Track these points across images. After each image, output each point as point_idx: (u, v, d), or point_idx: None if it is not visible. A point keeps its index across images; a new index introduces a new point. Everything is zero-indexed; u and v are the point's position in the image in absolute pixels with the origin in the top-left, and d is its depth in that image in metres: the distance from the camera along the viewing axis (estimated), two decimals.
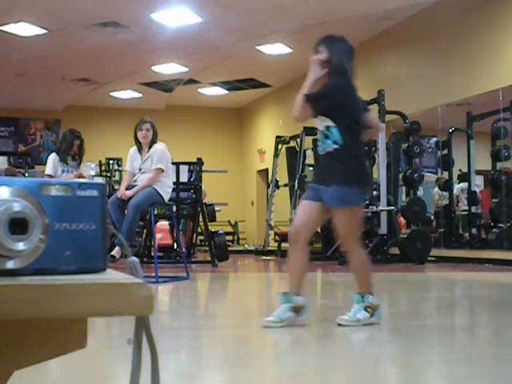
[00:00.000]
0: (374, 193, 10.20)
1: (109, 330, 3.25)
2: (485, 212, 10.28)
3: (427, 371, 2.34)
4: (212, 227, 8.82)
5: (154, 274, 5.57)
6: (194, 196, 8.65)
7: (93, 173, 13.82)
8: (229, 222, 15.60)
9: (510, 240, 8.97)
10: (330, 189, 3.12)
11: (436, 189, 11.53)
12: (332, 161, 3.17)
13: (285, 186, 11.89)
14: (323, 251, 10.20)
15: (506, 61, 8.57)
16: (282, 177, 12.17)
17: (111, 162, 13.59)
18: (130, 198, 5.63)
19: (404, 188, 10.11)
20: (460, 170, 10.79)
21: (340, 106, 3.18)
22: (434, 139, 11.49)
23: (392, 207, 9.48)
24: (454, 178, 10.86)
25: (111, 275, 0.77)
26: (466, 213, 10.48)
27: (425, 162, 11.65)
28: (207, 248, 8.70)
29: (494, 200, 9.65)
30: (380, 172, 9.60)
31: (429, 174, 11.61)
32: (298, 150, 10.94)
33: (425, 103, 10.13)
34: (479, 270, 8.04)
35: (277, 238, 12.10)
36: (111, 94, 14.88)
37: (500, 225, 9.33)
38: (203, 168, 9.01)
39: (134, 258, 0.79)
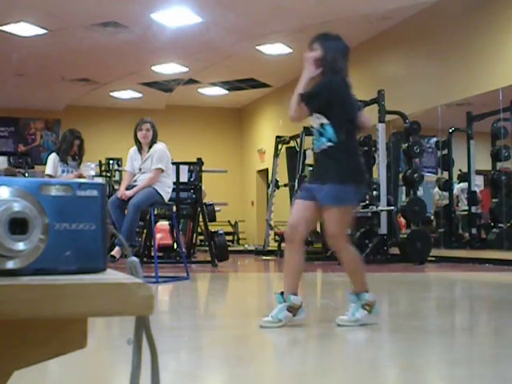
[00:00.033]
0: (374, 193, 10.21)
1: (109, 330, 3.25)
2: (485, 212, 10.28)
3: (427, 371, 2.34)
4: (212, 227, 8.82)
5: (154, 274, 5.57)
6: (193, 196, 8.65)
7: (93, 173, 13.82)
8: (229, 222, 15.60)
9: (510, 240, 8.97)
10: (325, 187, 3.11)
11: (436, 189, 11.54)
12: (326, 158, 3.17)
13: (285, 185, 11.89)
14: (323, 251, 10.21)
15: (506, 61, 8.57)
16: (282, 177, 12.17)
17: (111, 161, 13.60)
18: (130, 198, 5.63)
19: (404, 188, 10.11)
20: (460, 170, 10.79)
21: (334, 103, 3.17)
22: (434, 139, 11.49)
23: (392, 207, 9.48)
24: (454, 178, 10.86)
25: (111, 275, 0.77)
26: (466, 213, 10.49)
27: (425, 162, 11.65)
28: (207, 248, 8.69)
29: (494, 200, 9.65)
30: (380, 172, 9.60)
31: (429, 174, 11.61)
32: (298, 149, 10.94)
33: (425, 103, 10.13)
34: (479, 269, 8.04)
35: (277, 237, 12.11)
36: (111, 93, 14.89)
37: (500, 225, 9.33)
38: (203, 168, 9.00)
39: (134, 258, 0.79)
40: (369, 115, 10.67)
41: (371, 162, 10.46)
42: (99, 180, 11.65)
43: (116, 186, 11.47)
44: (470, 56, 9.22)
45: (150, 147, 5.90)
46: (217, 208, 10.05)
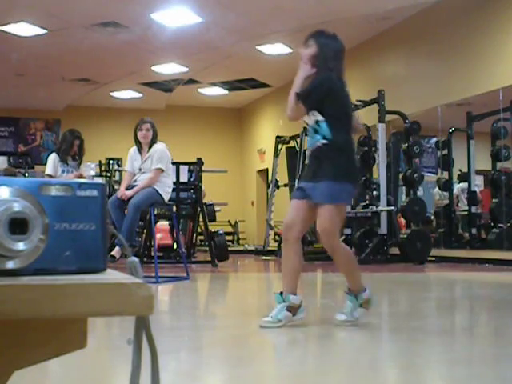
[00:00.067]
0: (374, 193, 10.21)
1: (109, 330, 3.25)
2: (485, 212, 10.28)
3: (427, 371, 2.34)
4: (212, 227, 8.82)
5: (154, 274, 5.57)
6: (193, 196, 8.65)
7: (93, 173, 13.82)
8: (229, 222, 15.60)
9: (510, 240, 8.97)
10: (319, 185, 3.10)
11: (436, 189, 11.54)
12: (321, 156, 3.16)
13: (285, 186, 11.89)
14: (323, 251, 10.20)
15: (506, 61, 8.57)
16: (282, 177, 12.17)
17: (111, 161, 13.60)
18: (130, 198, 5.63)
19: (404, 188, 10.11)
20: (460, 170, 10.79)
21: (329, 99, 3.16)
22: (434, 139, 11.49)
23: (392, 207, 9.49)
24: (454, 178, 10.86)
25: (111, 275, 0.77)
26: (466, 213, 10.49)
27: (425, 162, 11.65)
28: (207, 248, 8.70)
29: (494, 200, 9.64)
30: (380, 172, 9.61)
31: (429, 174, 11.62)
32: (298, 149, 10.94)
33: (425, 103, 10.13)
34: (479, 270, 8.05)
35: (277, 238, 12.10)
36: (111, 93, 14.89)
37: (500, 225, 9.33)
38: (203, 168, 9.00)
39: (134, 258, 0.79)
40: (369, 115, 10.68)
41: (371, 162, 10.47)
42: (99, 180, 11.65)
43: (116, 186, 11.47)
44: (470, 56, 9.22)
45: (150, 147, 5.90)
46: (217, 208, 10.05)
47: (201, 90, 15.12)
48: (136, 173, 5.93)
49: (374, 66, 11.52)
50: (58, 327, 0.78)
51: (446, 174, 10.84)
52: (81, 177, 6.49)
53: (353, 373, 2.26)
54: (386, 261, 9.10)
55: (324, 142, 3.14)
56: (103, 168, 13.61)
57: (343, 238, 9.89)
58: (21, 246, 0.71)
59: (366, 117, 10.35)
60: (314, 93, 3.16)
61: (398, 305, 4.71)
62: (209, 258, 8.37)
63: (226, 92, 15.31)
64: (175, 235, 8.35)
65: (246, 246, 15.07)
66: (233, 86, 14.75)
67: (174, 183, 7.16)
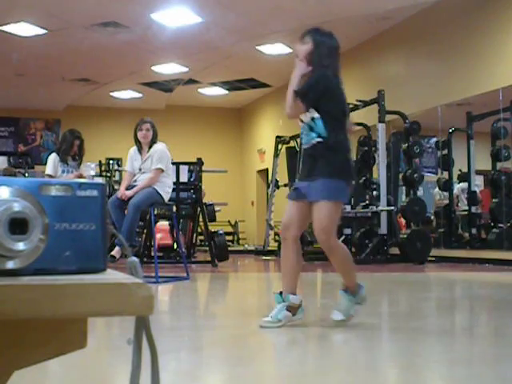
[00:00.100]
0: (374, 193, 10.21)
1: (109, 330, 3.25)
2: (485, 212, 10.28)
3: (427, 371, 2.34)
4: (212, 227, 8.82)
5: (153, 274, 5.57)
6: (193, 196, 8.65)
7: (93, 173, 13.83)
8: (229, 222, 15.60)
9: (510, 240, 8.97)
10: (314, 183, 3.09)
11: (437, 189, 11.54)
12: (315, 154, 3.14)
13: (285, 186, 11.89)
14: (323, 251, 10.19)
15: (506, 61, 8.57)
16: (282, 177, 12.17)
17: (111, 161, 13.60)
18: (130, 198, 5.63)
19: (404, 188, 10.11)
20: (460, 170, 10.79)
21: (325, 96, 3.14)
22: (434, 139, 11.50)
23: (392, 207, 9.49)
24: (454, 178, 10.86)
25: (111, 275, 0.77)
26: (466, 213, 10.49)
27: (425, 162, 11.65)
28: (207, 248, 8.70)
29: (494, 200, 9.64)
30: (380, 172, 9.61)
31: (429, 174, 11.62)
32: (298, 150, 10.94)
33: (425, 103, 10.13)
34: (479, 270, 8.05)
35: (277, 237, 12.10)
36: (111, 93, 14.89)
37: (500, 225, 9.33)
38: (203, 168, 9.00)
39: (134, 258, 0.79)
40: (369, 115, 10.67)
41: (371, 162, 10.47)
42: (99, 180, 11.65)
43: (116, 186, 11.47)
44: (470, 56, 9.22)
45: (150, 147, 5.90)
46: (217, 208, 10.05)
47: (201, 90, 15.12)
48: (136, 173, 5.92)
49: (374, 66, 11.52)
50: (58, 327, 0.78)
51: (445, 174, 10.84)
52: (81, 177, 6.49)
53: (353, 373, 2.26)
54: (386, 261, 9.10)
55: (319, 140, 3.13)
56: (103, 168, 13.61)
57: (343, 237, 9.89)
58: (21, 246, 0.71)
59: (365, 117, 10.36)
60: (311, 91, 3.15)
61: (398, 305, 4.71)
62: (209, 258, 8.37)
63: (226, 92, 15.31)
64: (175, 235, 8.35)
65: (246, 245, 15.07)
66: (233, 86, 14.75)
67: (174, 183, 7.16)
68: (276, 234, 12.38)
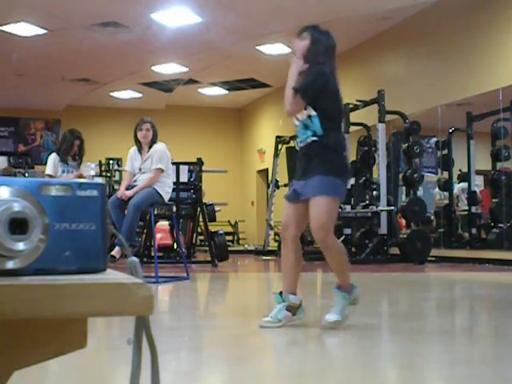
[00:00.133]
0: (374, 193, 10.21)
1: (109, 330, 3.25)
2: (485, 212, 10.28)
3: (427, 371, 2.34)
4: (212, 227, 8.82)
5: (153, 274, 5.57)
6: (194, 196, 8.65)
7: (93, 173, 13.83)
8: (229, 222, 15.60)
9: (510, 240, 8.97)
10: (311, 180, 3.07)
11: (437, 189, 11.54)
12: (311, 153, 3.13)
13: (285, 185, 11.88)
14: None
15: (506, 61, 8.57)
16: (282, 177, 12.17)
17: (111, 161, 13.60)
18: (130, 198, 5.63)
19: (404, 188, 10.11)
20: (460, 170, 10.79)
21: (323, 93, 3.13)
22: (434, 139, 11.49)
23: (392, 207, 9.49)
24: (454, 178, 10.86)
25: (111, 275, 0.77)
26: (466, 213, 10.49)
27: (425, 162, 11.65)
28: (207, 248, 8.70)
29: (494, 200, 9.65)
30: (380, 172, 9.61)
31: (429, 174, 11.62)
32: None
33: (425, 103, 10.13)
34: (479, 270, 8.05)
35: (277, 237, 12.10)
36: (111, 93, 14.89)
37: (500, 225, 9.33)
38: (203, 168, 9.00)
39: (134, 258, 0.79)
40: (369, 115, 10.65)
41: (371, 162, 10.47)
42: (99, 180, 11.65)
43: (116, 186, 11.47)
44: (470, 56, 9.22)
45: (150, 147, 5.90)
46: (217, 208, 10.05)
47: (201, 90, 15.12)
48: (136, 173, 5.93)
49: (374, 66, 11.52)
50: (58, 327, 0.78)
51: (446, 174, 10.84)
52: (81, 177, 6.49)
53: (352, 373, 2.26)
54: (386, 261, 9.11)
55: (314, 138, 3.11)
56: (103, 168, 13.61)
57: (343, 237, 9.89)
58: (21, 246, 0.71)
59: (365, 117, 10.37)
60: (312, 87, 3.13)
61: (398, 305, 4.71)
62: (209, 258, 8.37)
63: (226, 92, 15.31)
64: (175, 235, 8.35)
65: (246, 245, 15.07)
66: (233, 85, 14.75)
67: (174, 183, 7.16)
68: (276, 234, 12.38)
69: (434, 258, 9.36)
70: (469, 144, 10.16)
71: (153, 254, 7.38)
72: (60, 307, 0.69)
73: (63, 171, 6.44)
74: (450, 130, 10.56)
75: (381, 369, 2.38)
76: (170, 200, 6.14)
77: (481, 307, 4.48)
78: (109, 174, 13.25)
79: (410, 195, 9.72)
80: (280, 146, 12.24)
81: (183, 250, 7.77)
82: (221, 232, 8.86)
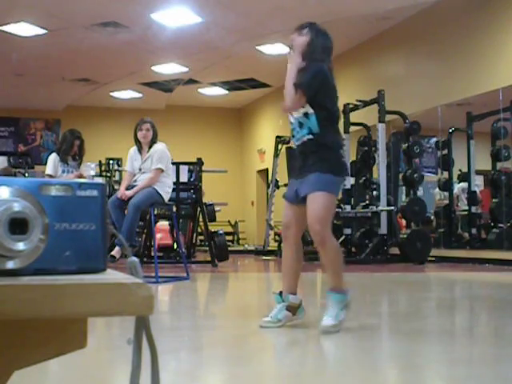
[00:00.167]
0: (374, 193, 10.21)
1: (109, 330, 3.25)
2: (485, 212, 10.28)
3: (427, 371, 2.34)
4: (212, 227, 8.82)
5: (154, 274, 5.57)
6: (194, 196, 8.65)
7: (93, 173, 13.83)
8: (229, 222, 15.60)
9: (510, 240, 8.97)
10: (308, 178, 3.05)
11: (437, 189, 11.53)
12: (306, 151, 3.11)
13: (285, 185, 11.84)
14: None
15: (506, 61, 8.57)
16: (282, 177, 12.16)
17: (111, 161, 13.59)
18: (130, 198, 5.63)
19: (404, 188, 10.11)
20: (460, 170, 10.79)
21: (322, 91, 3.12)
22: (434, 139, 11.49)
23: (392, 207, 9.49)
24: (454, 178, 10.86)
25: (111, 275, 0.77)
26: (466, 213, 10.48)
27: (425, 162, 11.65)
28: (207, 248, 8.70)
29: (494, 200, 9.65)
30: (380, 172, 9.61)
31: (429, 174, 11.61)
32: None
33: (425, 103, 10.13)
34: (479, 270, 8.04)
35: (277, 238, 12.10)
36: (111, 93, 14.89)
37: (500, 225, 9.33)
38: (203, 168, 9.01)
39: (134, 258, 0.79)
40: (369, 115, 10.64)
41: (371, 162, 10.47)
42: (99, 180, 11.65)
43: (116, 186, 11.47)
44: (470, 56, 9.22)
45: (150, 147, 5.90)
46: (217, 208, 10.05)
47: (201, 90, 15.12)
48: (136, 173, 5.93)
49: (374, 66, 11.52)
50: (58, 327, 0.78)
51: (446, 174, 10.84)
52: (81, 177, 6.49)
53: (352, 373, 2.26)
54: (386, 261, 9.10)
55: (310, 137, 3.09)
56: (103, 168, 13.60)
57: (343, 237, 9.90)
58: (21, 246, 0.71)
59: (365, 117, 10.37)
60: (312, 83, 3.10)
61: (398, 305, 4.71)
62: (209, 258, 8.37)
63: (226, 92, 15.31)
64: (175, 235, 8.35)
65: (246, 245, 15.07)
66: (233, 85, 14.75)
67: (174, 183, 7.16)
68: (276, 234, 12.38)
69: (434, 258, 9.36)
70: (469, 144, 10.16)
71: (153, 254, 7.38)
72: (60, 307, 0.69)
73: (63, 171, 6.45)
74: (450, 130, 10.56)
75: (381, 369, 2.38)
76: (170, 200, 6.14)
77: (481, 307, 4.48)
78: (109, 174, 13.25)
79: (410, 195, 9.72)
80: (280, 146, 12.23)
81: (183, 250, 7.77)
82: (221, 232, 8.86)
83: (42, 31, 10.26)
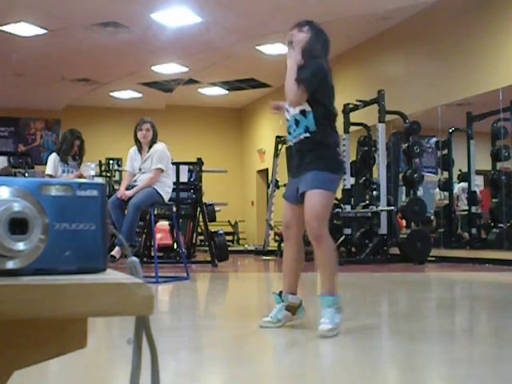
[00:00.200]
0: (374, 193, 10.21)
1: (109, 330, 3.25)
2: (485, 212, 10.28)
3: (427, 371, 2.34)
4: (212, 227, 8.82)
5: (154, 274, 5.57)
6: (193, 196, 8.65)
7: (93, 173, 13.83)
8: (229, 222, 15.60)
9: (510, 240, 8.97)
10: (305, 176, 3.04)
11: (437, 189, 11.53)
12: (303, 149, 3.09)
13: (285, 186, 11.85)
14: None
15: (506, 61, 8.57)
16: (282, 177, 12.16)
17: (111, 161, 13.59)
18: (130, 198, 5.63)
19: (404, 188, 10.11)
20: (460, 170, 10.79)
21: (322, 87, 3.11)
22: (434, 139, 11.49)
23: (392, 207, 9.48)
24: (454, 178, 10.86)
25: (111, 275, 0.77)
26: (466, 213, 10.49)
27: (425, 162, 11.64)
28: (207, 248, 8.70)
29: (494, 200, 9.64)
30: (380, 172, 9.61)
31: (429, 174, 11.61)
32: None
33: (425, 103, 10.13)
34: (479, 270, 8.05)
35: (277, 237, 12.10)
36: (111, 93, 14.89)
37: (500, 225, 9.33)
38: (203, 168, 9.01)
39: (134, 258, 0.79)
40: (369, 115, 10.63)
41: (371, 162, 10.47)
42: (99, 180, 11.65)
43: (116, 186, 11.47)
44: (470, 56, 9.22)
45: (150, 147, 5.90)
46: (217, 208, 10.05)
47: (201, 90, 15.12)
48: (136, 173, 5.93)
49: (374, 66, 11.52)
50: (58, 327, 0.78)
51: (446, 174, 10.84)
52: (81, 177, 6.49)
53: (352, 373, 2.26)
54: (386, 261, 9.10)
55: (306, 135, 3.08)
56: (103, 168, 13.61)
57: (343, 237, 9.90)
58: (21, 246, 0.71)
59: (365, 117, 10.36)
60: (313, 80, 3.08)
61: (398, 305, 4.71)
62: (209, 258, 8.37)
63: (226, 92, 15.31)
64: (175, 235, 8.35)
65: (246, 245, 15.07)
66: (233, 85, 14.74)
67: (174, 183, 7.16)
68: (276, 234, 12.38)
69: (434, 258, 9.36)
70: (469, 144, 10.16)
71: (153, 254, 7.38)
72: (60, 307, 0.69)
73: (63, 171, 6.45)
74: (450, 130, 10.56)
75: (381, 369, 2.38)
76: (170, 200, 6.14)
77: (481, 307, 4.48)
78: (109, 174, 13.25)
79: (409, 195, 9.72)
80: (280, 146, 12.23)
81: (183, 250, 7.77)
82: (221, 232, 8.86)
83: (42, 31, 10.26)
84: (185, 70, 12.95)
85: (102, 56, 11.71)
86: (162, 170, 5.83)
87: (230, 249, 9.64)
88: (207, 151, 13.59)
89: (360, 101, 10.07)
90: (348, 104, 10.16)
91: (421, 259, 8.86)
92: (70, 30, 10.24)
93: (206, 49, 11.37)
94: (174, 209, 7.60)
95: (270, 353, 2.89)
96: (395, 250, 9.30)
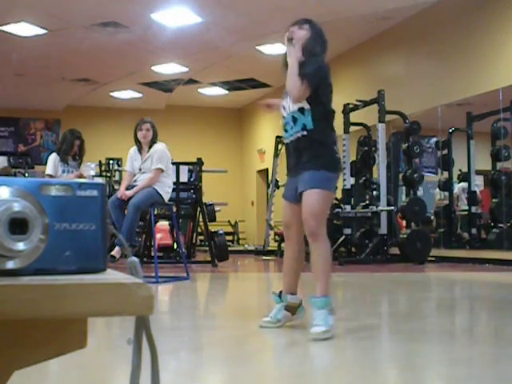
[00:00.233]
0: (374, 193, 10.21)
1: (109, 330, 3.25)
2: (485, 212, 10.28)
3: (427, 371, 2.34)
4: (212, 227, 8.82)
5: (154, 274, 5.57)
6: (193, 196, 8.65)
7: (93, 173, 13.83)
8: (229, 222, 15.60)
9: (510, 240, 8.97)
10: (303, 175, 3.04)
11: (437, 189, 11.53)
12: (300, 147, 3.08)
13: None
14: None
15: (506, 61, 8.57)
16: (282, 177, 12.15)
17: (111, 161, 13.60)
18: (130, 198, 5.63)
19: (404, 188, 10.11)
20: (460, 170, 10.79)
21: (322, 84, 3.10)
22: (434, 139, 11.49)
23: (392, 207, 9.48)
24: (454, 178, 10.86)
25: (111, 275, 0.77)
26: (466, 213, 10.49)
27: (425, 161, 11.64)
28: (207, 248, 8.70)
29: (494, 200, 9.64)
30: (380, 172, 9.60)
31: (429, 174, 11.61)
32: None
33: (425, 103, 10.13)
34: (479, 270, 8.04)
35: (277, 237, 12.10)
36: (111, 93, 14.89)
37: (500, 225, 9.33)
38: (203, 168, 9.00)
39: (134, 258, 0.79)
40: (369, 115, 10.63)
41: (371, 162, 10.47)
42: (99, 180, 11.65)
43: (116, 186, 11.47)
44: (470, 56, 9.22)
45: (150, 147, 5.90)
46: (217, 208, 10.05)
47: (201, 90, 15.12)
48: (136, 173, 5.93)
49: (374, 66, 11.52)
50: (58, 327, 0.78)
51: (446, 174, 10.84)
52: (81, 177, 6.49)
53: (352, 373, 2.26)
54: (386, 261, 9.10)
55: (303, 133, 3.07)
56: (103, 168, 13.61)
57: (343, 237, 9.90)
58: (21, 246, 0.71)
59: (365, 117, 10.36)
60: (314, 77, 3.07)
61: (398, 305, 4.71)
62: (209, 258, 8.37)
63: (226, 92, 15.31)
64: (175, 235, 8.35)
65: (246, 245, 15.07)
66: (233, 85, 14.75)
67: (174, 183, 7.16)
68: (276, 234, 12.38)
69: (434, 258, 9.36)
70: (469, 144, 10.16)
71: (153, 254, 7.38)
72: (60, 307, 0.69)
73: (63, 171, 6.45)
74: (450, 130, 10.56)
75: (381, 369, 2.38)
76: (170, 200, 6.14)
77: (481, 307, 4.48)
78: (109, 174, 13.25)
79: (410, 195, 9.72)
80: (280, 146, 12.23)
81: (183, 250, 7.77)
82: (221, 232, 8.86)
83: (42, 31, 10.26)
84: (185, 69, 12.95)
85: (101, 56, 11.71)
86: (162, 170, 5.83)
87: (230, 249, 9.64)
88: (207, 151, 13.59)
89: (360, 101, 10.07)
90: (348, 104, 10.16)
91: (421, 259, 8.86)
92: (69, 29, 10.25)
93: (206, 49, 11.38)
94: (174, 209, 7.60)
95: (269, 353, 2.89)
96: (395, 250, 9.30)
